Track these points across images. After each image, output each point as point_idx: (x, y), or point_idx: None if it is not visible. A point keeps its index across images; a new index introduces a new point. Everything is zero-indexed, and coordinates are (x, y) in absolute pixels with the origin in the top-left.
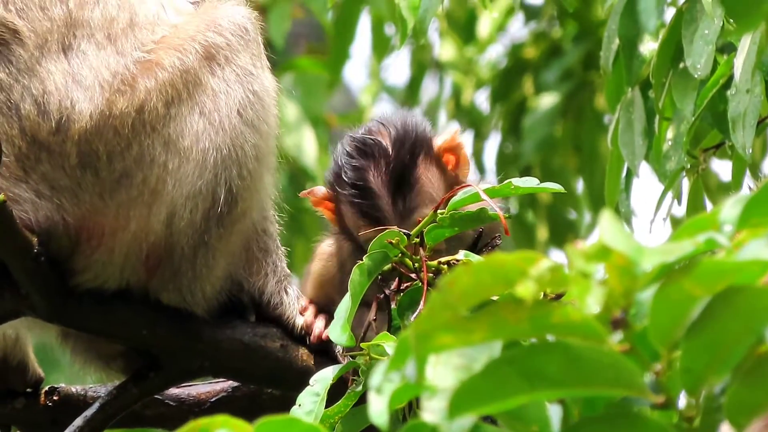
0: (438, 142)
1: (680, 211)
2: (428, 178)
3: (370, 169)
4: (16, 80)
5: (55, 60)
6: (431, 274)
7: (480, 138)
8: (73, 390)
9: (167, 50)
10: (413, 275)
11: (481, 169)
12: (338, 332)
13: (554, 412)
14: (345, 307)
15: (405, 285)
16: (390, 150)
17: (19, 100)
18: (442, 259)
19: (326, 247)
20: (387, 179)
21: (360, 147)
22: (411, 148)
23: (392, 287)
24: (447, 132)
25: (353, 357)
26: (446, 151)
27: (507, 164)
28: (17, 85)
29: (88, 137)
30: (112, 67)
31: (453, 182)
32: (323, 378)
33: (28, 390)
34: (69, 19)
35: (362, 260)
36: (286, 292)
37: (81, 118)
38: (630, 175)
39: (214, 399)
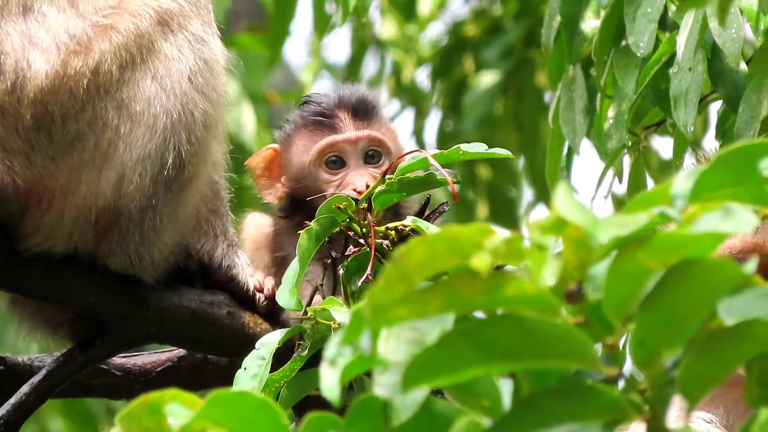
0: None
1: (621, 189)
2: (386, 124)
3: (333, 96)
4: None
5: (14, 21)
6: (379, 240)
7: (421, 116)
8: (19, 360)
9: (123, 15)
10: (361, 240)
11: (422, 146)
12: (286, 296)
13: (505, 386)
14: (293, 271)
15: (353, 250)
16: (355, 92)
17: None
18: (390, 225)
19: (257, 217)
20: (348, 101)
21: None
22: (373, 99)
23: (340, 252)
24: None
25: (300, 321)
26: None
27: (448, 142)
28: None
29: (42, 98)
30: (70, 30)
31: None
32: (269, 342)
33: None
34: None
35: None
36: (237, 255)
37: (36, 78)
38: (571, 152)
39: (159, 369)
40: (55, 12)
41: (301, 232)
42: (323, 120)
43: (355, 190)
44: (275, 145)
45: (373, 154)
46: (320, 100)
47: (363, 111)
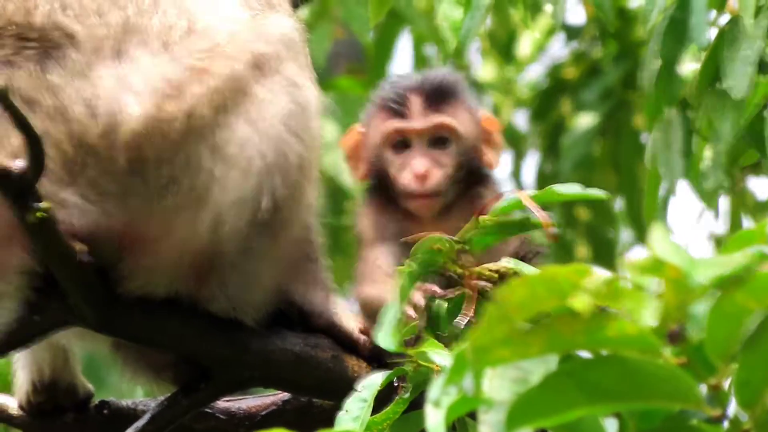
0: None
1: (718, 228)
2: (463, 109)
3: (410, 79)
4: (67, 83)
5: (108, 65)
6: (477, 281)
7: (519, 157)
8: (123, 404)
9: (218, 58)
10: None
11: (520, 187)
12: (386, 338)
13: (610, 426)
14: (391, 312)
15: (451, 291)
16: (434, 76)
17: (69, 104)
18: (490, 266)
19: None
20: (423, 86)
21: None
22: (451, 84)
23: (438, 293)
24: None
25: (401, 363)
26: (487, 122)
27: (546, 183)
28: (69, 88)
29: (137, 141)
30: (164, 74)
31: (479, 151)
32: (371, 384)
33: (78, 405)
34: (126, 26)
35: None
36: (335, 301)
37: (130, 122)
38: (668, 193)
39: (264, 412)
40: (148, 56)
41: (398, 269)
42: (393, 105)
43: (414, 174)
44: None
45: (440, 139)
46: (396, 83)
47: (436, 96)
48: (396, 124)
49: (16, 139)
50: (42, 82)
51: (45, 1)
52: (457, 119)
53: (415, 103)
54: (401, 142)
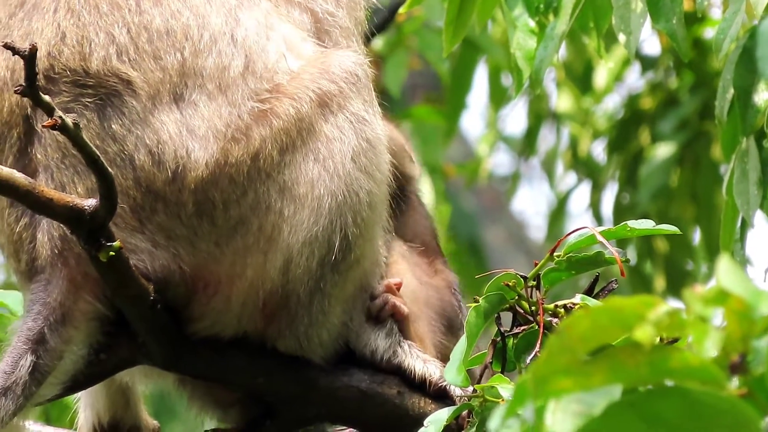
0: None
1: None
2: None
3: None
4: (129, 131)
5: (167, 110)
6: (548, 317)
7: (597, 188)
8: None
9: (282, 99)
10: (530, 317)
11: (598, 219)
12: (454, 373)
13: None
14: (460, 348)
15: (521, 327)
16: None
17: (133, 151)
18: (559, 302)
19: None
20: None
21: None
22: None
23: (508, 329)
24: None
25: (468, 399)
26: None
27: (624, 214)
28: (130, 135)
29: (203, 186)
30: (224, 117)
31: None
32: (437, 419)
33: None
34: (182, 69)
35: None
36: (399, 344)
37: (197, 167)
38: (745, 224)
39: None
40: (206, 99)
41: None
42: None
43: None
44: None
45: None
46: None
47: None
48: None
49: (82, 187)
50: (104, 130)
51: (100, 47)
52: None
53: None
54: None
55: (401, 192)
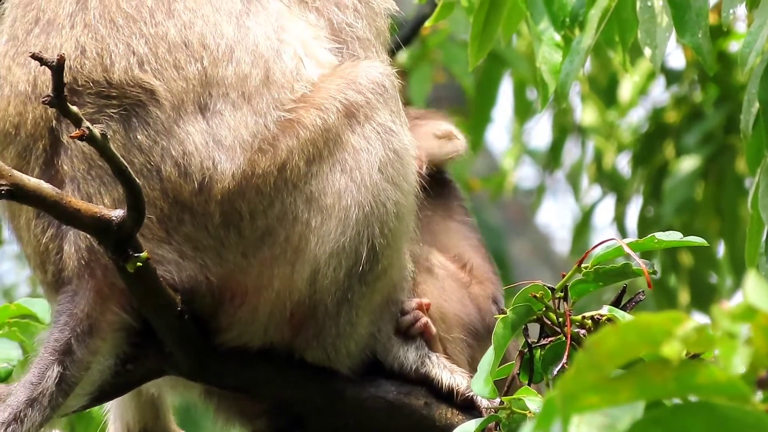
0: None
1: None
2: None
3: None
4: (154, 142)
5: (192, 120)
6: (575, 329)
7: (622, 202)
8: None
9: (308, 109)
10: (557, 329)
11: (623, 232)
12: (481, 384)
13: None
14: (488, 359)
15: (549, 338)
16: None
17: (159, 162)
18: (586, 314)
19: None
20: None
21: None
22: None
23: (536, 340)
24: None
25: (495, 410)
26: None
27: (649, 228)
28: (156, 147)
29: (230, 197)
30: (250, 127)
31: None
32: (465, 431)
33: None
34: (204, 78)
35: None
36: (428, 355)
37: (224, 179)
38: None
39: None
40: (231, 108)
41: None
42: None
43: None
44: None
45: None
46: None
47: None
48: None
49: (109, 198)
50: (129, 141)
51: (121, 57)
52: None
53: None
54: None
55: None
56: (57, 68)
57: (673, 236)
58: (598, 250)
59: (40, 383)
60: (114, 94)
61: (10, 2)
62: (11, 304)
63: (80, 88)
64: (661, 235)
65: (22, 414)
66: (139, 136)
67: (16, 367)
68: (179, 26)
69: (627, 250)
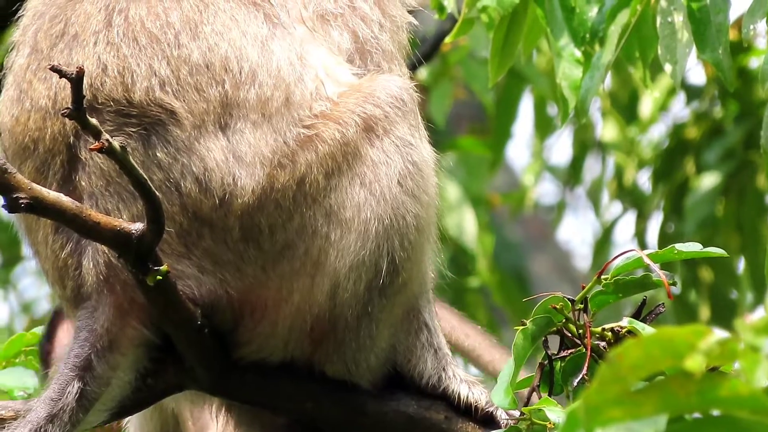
0: None
1: None
2: None
3: None
4: (174, 159)
5: (213, 138)
6: (595, 341)
7: (642, 218)
8: None
9: (327, 123)
10: (577, 341)
11: (643, 248)
12: (501, 396)
13: None
14: (508, 371)
15: (569, 350)
16: None
17: (179, 178)
18: (606, 326)
19: None
20: None
21: None
22: None
23: (556, 352)
24: None
25: (516, 421)
26: None
27: (669, 243)
28: (176, 163)
29: (250, 211)
30: (270, 144)
31: None
32: None
33: None
34: (225, 100)
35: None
36: (447, 369)
37: (243, 194)
38: None
39: None
40: (251, 127)
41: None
42: None
43: None
44: None
45: None
46: None
47: None
48: None
49: (127, 214)
50: (149, 158)
51: (142, 77)
52: None
53: None
54: None
55: None
56: (76, 80)
57: (693, 247)
58: (618, 262)
59: (60, 399)
60: (134, 113)
61: (32, 9)
62: (27, 333)
63: (100, 106)
64: (681, 246)
65: (42, 430)
66: (158, 154)
67: (32, 395)
68: (203, 49)
69: (647, 260)
